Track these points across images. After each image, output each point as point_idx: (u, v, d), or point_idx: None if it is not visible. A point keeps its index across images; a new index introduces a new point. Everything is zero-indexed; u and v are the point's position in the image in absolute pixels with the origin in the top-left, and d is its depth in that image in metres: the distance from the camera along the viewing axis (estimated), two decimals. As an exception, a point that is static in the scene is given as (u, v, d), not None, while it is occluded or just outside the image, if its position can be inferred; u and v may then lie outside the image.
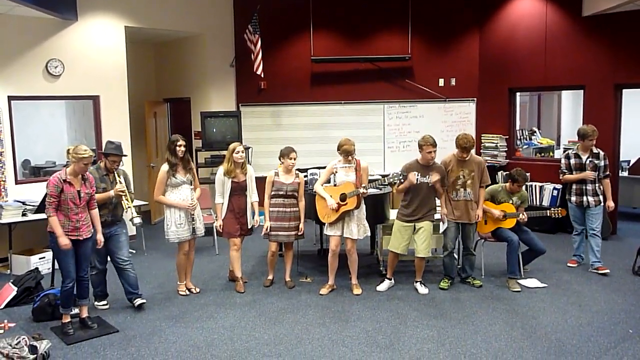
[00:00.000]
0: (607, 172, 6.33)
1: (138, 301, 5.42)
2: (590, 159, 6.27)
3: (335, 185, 5.71)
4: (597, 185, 6.28)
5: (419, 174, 5.62)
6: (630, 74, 7.75)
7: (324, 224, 5.79)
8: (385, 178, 5.58)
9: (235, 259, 5.92)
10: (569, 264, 6.58)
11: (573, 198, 6.39)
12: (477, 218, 5.88)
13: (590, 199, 6.27)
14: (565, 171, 6.43)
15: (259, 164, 8.79)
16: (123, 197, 5.26)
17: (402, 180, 5.56)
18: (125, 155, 5.44)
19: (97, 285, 5.51)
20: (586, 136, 6.22)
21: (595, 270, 6.24)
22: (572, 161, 6.36)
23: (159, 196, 5.63)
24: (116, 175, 5.31)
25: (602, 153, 6.31)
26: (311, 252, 7.31)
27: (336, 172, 5.72)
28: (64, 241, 4.67)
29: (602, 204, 6.31)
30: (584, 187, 6.29)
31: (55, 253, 4.90)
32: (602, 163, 6.27)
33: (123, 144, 5.59)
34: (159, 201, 5.68)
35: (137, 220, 5.35)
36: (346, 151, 5.59)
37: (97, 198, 5.07)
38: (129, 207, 5.26)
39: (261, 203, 5.98)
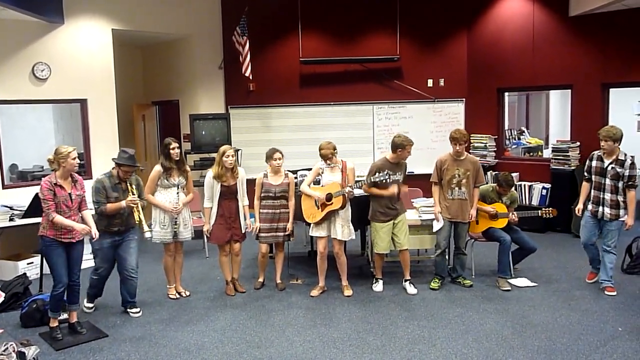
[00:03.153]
0: (632, 182, 5.41)
1: (134, 311, 5.35)
2: (612, 166, 5.44)
3: (322, 185, 5.71)
4: (619, 196, 5.45)
5: (390, 172, 5.62)
6: (617, 74, 7.81)
7: (311, 225, 5.79)
8: (372, 178, 5.56)
9: (225, 264, 5.88)
10: (587, 280, 5.98)
11: (589, 206, 5.65)
12: (471, 218, 5.90)
13: (607, 210, 5.49)
14: (585, 174, 5.72)
15: (249, 166, 8.73)
16: (135, 208, 5.13)
17: (387, 180, 5.55)
18: (138, 166, 5.25)
19: (94, 287, 5.43)
20: (599, 136, 5.50)
21: (602, 289, 5.66)
22: (594, 164, 5.58)
23: (148, 195, 5.57)
24: (129, 185, 5.17)
25: (629, 161, 5.40)
26: (302, 253, 7.30)
27: (322, 172, 5.72)
28: (83, 228, 4.67)
29: (619, 218, 5.50)
30: (601, 196, 5.52)
31: (46, 259, 4.83)
32: (627, 172, 5.38)
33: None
34: (146, 199, 5.62)
35: (148, 235, 5.24)
36: (323, 156, 5.64)
37: (108, 208, 5.04)
38: (140, 220, 5.13)
39: (251, 205, 5.95)
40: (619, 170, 5.42)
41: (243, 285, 6.04)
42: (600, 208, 5.56)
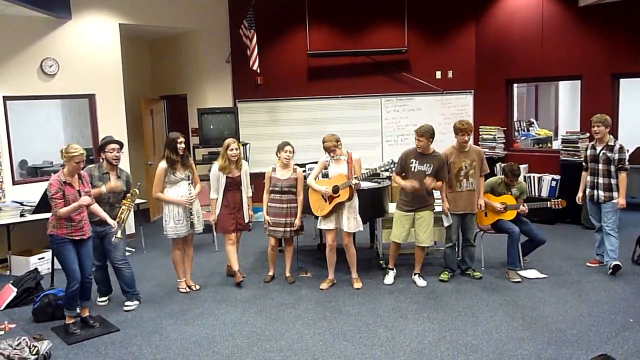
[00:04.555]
0: (621, 165, 5.79)
1: (128, 304, 5.39)
2: (603, 151, 5.86)
3: (328, 178, 5.72)
4: (612, 179, 5.84)
5: (417, 162, 5.62)
6: (627, 64, 7.75)
7: (318, 217, 5.80)
8: (377, 168, 5.57)
9: (231, 253, 5.95)
10: (588, 264, 6.23)
11: (587, 191, 6.06)
12: (480, 208, 5.89)
13: (601, 193, 5.88)
14: (584, 164, 6.15)
15: (256, 159, 8.78)
16: (120, 213, 5.23)
17: (392, 169, 5.55)
18: (121, 143, 5.44)
19: (99, 282, 5.53)
20: (590, 124, 5.97)
21: (610, 270, 5.85)
22: (588, 152, 6.03)
23: (158, 193, 5.63)
24: (113, 176, 5.29)
25: (617, 146, 5.82)
26: (311, 246, 7.31)
27: (328, 165, 5.73)
28: (86, 200, 4.71)
29: (613, 200, 5.85)
30: (595, 180, 5.94)
31: (58, 256, 4.85)
32: (617, 156, 5.78)
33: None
34: (157, 198, 5.68)
35: (116, 239, 5.15)
36: (326, 148, 5.64)
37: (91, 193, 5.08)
38: (119, 221, 5.17)
39: (260, 198, 6.01)
40: (609, 155, 5.84)
41: (245, 274, 6.17)
42: (595, 191, 5.96)
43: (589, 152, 6.04)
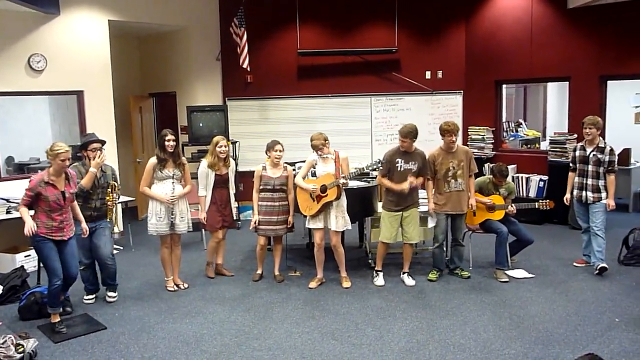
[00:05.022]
0: (611, 168, 5.84)
1: (111, 294, 5.50)
2: (594, 153, 5.87)
3: (316, 177, 5.72)
4: (600, 181, 5.87)
5: (402, 161, 5.63)
6: (614, 66, 7.82)
7: (307, 216, 5.79)
8: (365, 167, 5.57)
9: (212, 250, 6.10)
10: (575, 264, 6.26)
11: (574, 192, 6.07)
12: (471, 207, 5.90)
13: (590, 194, 5.90)
14: (571, 165, 6.15)
15: (246, 158, 8.75)
16: (109, 208, 5.34)
17: (380, 168, 5.56)
18: (104, 142, 5.42)
19: (86, 280, 5.49)
20: (582, 125, 5.94)
21: (597, 270, 5.87)
22: (577, 153, 6.03)
23: (144, 188, 5.63)
24: (110, 186, 5.35)
25: (608, 148, 5.86)
26: (300, 245, 7.30)
27: (316, 164, 5.73)
28: (29, 225, 4.51)
29: (601, 200, 5.89)
30: (584, 182, 5.95)
31: (38, 254, 4.82)
32: (607, 158, 5.82)
33: (108, 139, 5.56)
34: (142, 192, 5.69)
35: (116, 235, 5.52)
36: (314, 147, 5.64)
37: (84, 182, 5.12)
38: (110, 219, 5.37)
39: (249, 197, 6.00)
40: (600, 156, 5.86)
41: (230, 271, 6.25)
42: (584, 192, 5.98)
43: (577, 153, 6.04)
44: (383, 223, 5.79)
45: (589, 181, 5.92)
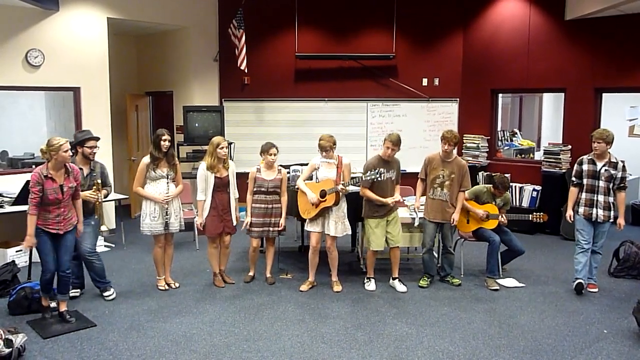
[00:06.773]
0: (623, 184, 5.51)
1: (107, 294, 5.47)
2: (605, 168, 5.50)
3: (317, 181, 5.72)
4: (610, 197, 5.54)
5: (384, 170, 5.65)
6: (610, 78, 7.87)
7: (305, 220, 5.80)
8: (364, 177, 5.57)
9: (213, 256, 5.91)
10: (589, 289, 5.79)
11: (581, 209, 5.63)
12: (452, 222, 5.89)
13: (600, 212, 5.52)
14: (574, 179, 5.71)
15: (241, 159, 8.75)
16: (96, 204, 5.30)
17: (379, 179, 5.57)
18: (99, 138, 5.42)
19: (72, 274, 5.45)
20: (591, 139, 5.58)
21: (586, 287, 5.71)
22: (585, 167, 5.60)
23: (137, 187, 5.61)
24: (95, 182, 5.30)
25: (621, 163, 5.51)
26: (292, 248, 7.31)
27: (318, 168, 5.73)
28: (30, 241, 4.63)
29: (610, 220, 5.58)
30: (594, 198, 5.53)
31: (36, 246, 4.82)
32: (620, 174, 5.48)
33: (104, 137, 5.56)
34: (136, 192, 5.66)
35: (103, 232, 5.47)
36: (320, 147, 5.63)
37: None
38: (98, 216, 5.34)
39: (243, 199, 5.96)
40: (612, 172, 5.50)
41: (231, 277, 6.07)
42: (595, 210, 5.56)
43: (586, 167, 5.61)
44: (371, 232, 5.76)
45: (600, 198, 5.53)
